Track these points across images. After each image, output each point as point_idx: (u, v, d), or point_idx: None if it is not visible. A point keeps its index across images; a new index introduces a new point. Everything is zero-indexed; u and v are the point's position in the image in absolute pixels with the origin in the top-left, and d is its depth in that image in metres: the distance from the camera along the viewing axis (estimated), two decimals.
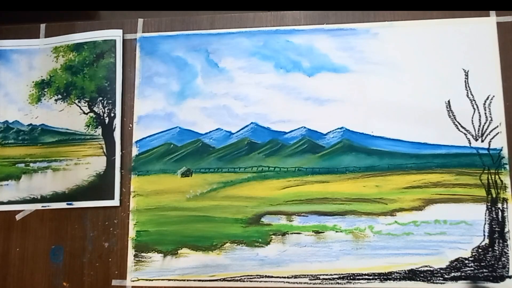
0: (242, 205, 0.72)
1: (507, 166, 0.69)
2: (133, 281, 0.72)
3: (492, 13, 0.73)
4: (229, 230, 0.72)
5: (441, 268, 0.68)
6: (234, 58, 0.77)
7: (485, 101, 0.71)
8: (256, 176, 0.73)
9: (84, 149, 0.77)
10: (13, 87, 0.80)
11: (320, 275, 0.69)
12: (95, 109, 0.77)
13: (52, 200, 0.76)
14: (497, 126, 0.70)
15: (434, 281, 0.67)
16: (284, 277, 0.70)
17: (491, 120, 0.71)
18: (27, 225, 0.76)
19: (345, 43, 0.75)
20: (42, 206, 0.76)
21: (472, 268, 0.67)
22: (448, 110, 0.71)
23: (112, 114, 0.77)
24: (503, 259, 0.67)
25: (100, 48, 0.79)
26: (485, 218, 0.68)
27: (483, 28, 0.73)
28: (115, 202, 0.74)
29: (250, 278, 0.70)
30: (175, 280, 0.72)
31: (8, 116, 0.79)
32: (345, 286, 0.69)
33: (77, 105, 0.78)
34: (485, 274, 0.67)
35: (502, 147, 0.70)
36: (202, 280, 0.71)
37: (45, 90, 0.79)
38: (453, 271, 0.67)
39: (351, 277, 0.69)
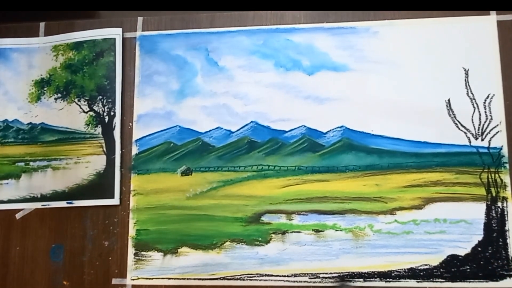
0: (242, 204, 0.73)
1: (507, 165, 0.69)
2: (133, 279, 0.72)
3: (493, 11, 0.73)
4: (229, 228, 0.72)
5: (440, 267, 0.68)
6: (234, 56, 0.77)
7: (485, 100, 0.71)
8: (256, 175, 0.73)
9: (84, 147, 0.77)
10: (13, 85, 0.80)
11: (320, 273, 0.69)
12: (95, 107, 0.77)
13: (52, 199, 0.76)
14: (497, 125, 0.70)
15: (434, 280, 0.68)
16: (284, 276, 0.70)
17: (491, 119, 0.71)
18: (27, 224, 0.76)
19: (345, 41, 0.75)
20: (42, 205, 0.76)
21: (471, 267, 0.67)
22: (448, 109, 0.71)
23: (112, 113, 0.77)
24: (503, 257, 0.67)
25: (100, 47, 0.79)
26: (485, 217, 0.68)
27: (483, 26, 0.73)
28: (115, 201, 0.75)
29: (250, 277, 0.70)
30: (175, 278, 0.72)
31: (7, 115, 0.79)
32: None
33: (77, 104, 0.78)
34: (485, 272, 0.67)
35: (502, 146, 0.70)
36: (202, 279, 0.71)
37: (45, 88, 0.79)
38: (452, 269, 0.67)
39: (351, 276, 0.69)
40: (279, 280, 0.70)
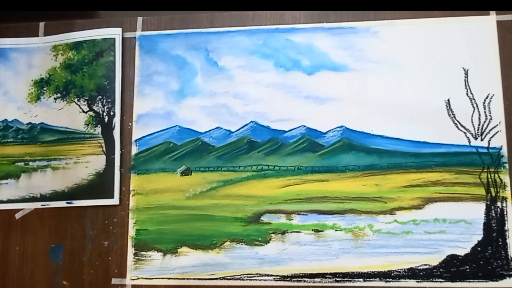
0: (242, 203, 0.73)
1: (507, 165, 0.69)
2: (133, 279, 0.72)
3: (492, 11, 0.73)
4: (228, 228, 0.72)
5: (440, 267, 0.68)
6: (234, 56, 0.77)
7: (485, 100, 0.71)
8: (255, 175, 0.73)
9: (83, 147, 0.77)
10: (12, 85, 0.80)
11: (320, 273, 0.69)
12: (95, 107, 0.77)
13: (52, 199, 0.76)
14: (497, 125, 0.70)
15: (433, 280, 0.68)
16: (284, 276, 0.70)
17: (491, 119, 0.71)
18: (26, 223, 0.76)
19: (345, 41, 0.75)
20: (42, 205, 0.76)
21: (471, 267, 0.67)
22: (447, 109, 0.71)
23: (112, 113, 0.77)
24: (503, 257, 0.67)
25: (100, 47, 0.78)
26: (485, 216, 0.68)
27: (483, 26, 0.73)
28: (115, 200, 0.74)
29: (250, 277, 0.70)
30: (174, 278, 0.72)
31: (7, 115, 0.79)
32: (345, 285, 0.69)
33: (77, 104, 0.78)
34: (485, 272, 0.67)
35: (501, 146, 0.70)
36: (202, 279, 0.71)
37: (44, 88, 0.79)
38: (452, 269, 0.68)
39: (351, 276, 0.69)
40: (278, 280, 0.70)
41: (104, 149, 0.76)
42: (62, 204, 0.75)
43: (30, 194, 0.77)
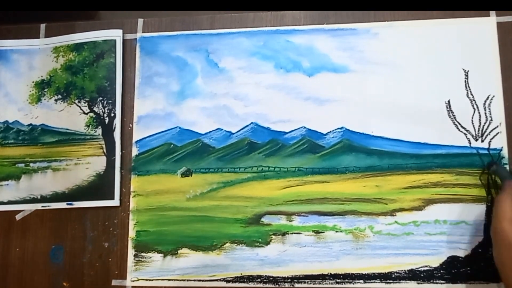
0: (242, 205, 0.72)
1: (507, 166, 0.69)
2: (133, 281, 0.72)
3: (492, 13, 0.73)
4: (229, 230, 0.72)
5: (441, 268, 0.68)
6: (234, 58, 0.77)
7: (485, 101, 0.71)
8: (256, 176, 0.73)
9: (84, 149, 0.77)
10: (13, 87, 0.80)
11: (320, 275, 0.69)
12: (95, 109, 0.77)
13: (52, 200, 0.76)
14: (497, 126, 0.70)
15: (434, 281, 0.67)
16: (284, 277, 0.70)
17: (491, 120, 0.71)
18: (27, 225, 0.76)
19: (345, 43, 0.75)
20: (42, 206, 0.76)
21: (472, 268, 0.67)
22: (448, 110, 0.71)
23: (112, 114, 0.77)
24: None
25: (100, 48, 0.79)
26: (485, 218, 0.68)
27: (483, 28, 0.73)
28: (115, 202, 0.74)
29: (250, 278, 0.70)
30: (175, 280, 0.72)
31: (8, 116, 0.79)
32: (345, 286, 0.69)
33: (77, 105, 0.78)
34: (485, 274, 0.67)
35: (502, 147, 0.70)
36: (202, 280, 0.71)
37: (45, 90, 0.79)
38: (453, 271, 0.67)
39: (351, 277, 0.69)
40: (279, 282, 0.70)
41: (105, 150, 0.76)
42: (62, 205, 0.75)
43: (30, 195, 0.77)
